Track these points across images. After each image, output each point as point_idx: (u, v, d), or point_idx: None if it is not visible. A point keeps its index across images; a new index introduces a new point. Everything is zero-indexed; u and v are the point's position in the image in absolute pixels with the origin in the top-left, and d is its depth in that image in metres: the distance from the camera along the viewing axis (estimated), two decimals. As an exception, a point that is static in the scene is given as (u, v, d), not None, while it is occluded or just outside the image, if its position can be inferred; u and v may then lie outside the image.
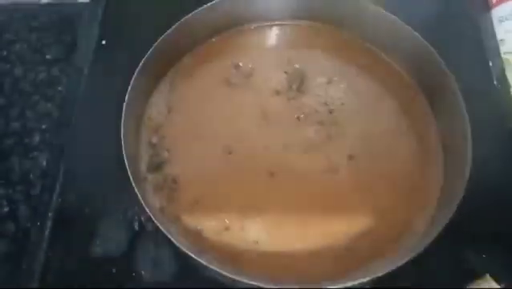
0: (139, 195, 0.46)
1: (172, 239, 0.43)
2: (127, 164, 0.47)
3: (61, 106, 0.66)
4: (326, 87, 0.61)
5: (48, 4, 0.89)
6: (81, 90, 0.64)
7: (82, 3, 0.83)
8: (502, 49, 0.71)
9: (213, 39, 0.64)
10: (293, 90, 0.61)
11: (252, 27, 0.65)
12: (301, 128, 0.58)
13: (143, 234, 0.55)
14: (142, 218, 0.55)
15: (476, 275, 0.53)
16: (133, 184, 0.46)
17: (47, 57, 0.83)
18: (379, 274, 0.44)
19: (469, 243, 0.55)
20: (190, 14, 0.58)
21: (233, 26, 0.64)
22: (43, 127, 0.74)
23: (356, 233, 0.51)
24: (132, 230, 0.55)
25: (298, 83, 0.61)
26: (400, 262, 0.44)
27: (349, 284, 0.43)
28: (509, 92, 0.67)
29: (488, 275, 0.53)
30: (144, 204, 0.45)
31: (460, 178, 0.49)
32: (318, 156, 0.56)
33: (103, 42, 0.67)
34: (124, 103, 0.50)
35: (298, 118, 0.59)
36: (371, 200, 0.54)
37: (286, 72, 0.62)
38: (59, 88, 0.77)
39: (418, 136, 0.58)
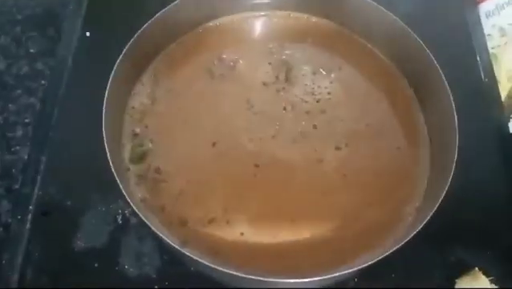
0: (121, 186, 0.45)
1: (154, 230, 0.42)
2: (108, 154, 0.46)
3: (44, 99, 0.64)
4: (312, 78, 0.60)
5: (32, -3, 0.87)
6: (64, 82, 0.62)
7: (63, -3, 0.82)
8: (490, 44, 0.72)
9: (198, 29, 0.63)
10: (279, 80, 0.60)
11: (237, 18, 0.64)
12: (287, 119, 0.57)
13: (126, 226, 0.54)
14: (125, 211, 0.55)
15: (464, 269, 0.53)
16: (115, 175, 0.45)
17: (31, 50, 0.81)
18: (366, 265, 0.43)
19: (457, 236, 0.56)
20: (173, 4, 0.57)
21: (218, 16, 0.63)
22: (26, 120, 0.73)
23: (342, 224, 0.51)
24: (115, 223, 0.55)
25: (284, 74, 0.60)
26: (386, 253, 0.44)
27: (336, 274, 0.43)
28: (496, 87, 0.68)
29: (477, 269, 0.53)
30: (126, 195, 0.45)
31: (446, 170, 0.49)
32: (305, 148, 0.55)
33: (87, 34, 0.66)
34: (106, 93, 0.48)
35: (284, 109, 0.58)
36: (357, 191, 0.53)
37: (270, 63, 0.61)
38: (43, 82, 0.76)
39: (405, 127, 0.58)
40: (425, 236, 0.46)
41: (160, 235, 0.42)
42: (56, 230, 0.54)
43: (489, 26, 0.74)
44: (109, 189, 0.50)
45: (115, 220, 0.54)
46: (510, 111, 0.74)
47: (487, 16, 0.74)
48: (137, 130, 0.55)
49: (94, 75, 0.55)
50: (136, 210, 0.43)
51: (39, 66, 0.80)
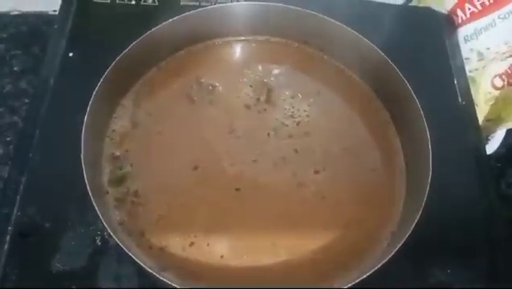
0: (97, 209, 0.45)
1: (132, 256, 0.42)
2: (85, 177, 0.46)
3: (26, 118, 0.64)
4: (291, 101, 0.61)
5: (17, 15, 0.88)
6: (46, 102, 0.62)
7: (51, 15, 0.82)
8: (467, 67, 0.73)
9: (179, 54, 0.64)
10: (260, 102, 0.61)
11: (217, 42, 0.65)
12: (268, 144, 0.58)
13: (105, 249, 0.54)
14: (104, 233, 0.54)
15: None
16: (92, 197, 0.45)
17: (15, 69, 0.82)
18: (344, 287, 0.44)
19: (435, 258, 0.56)
20: (154, 29, 0.58)
21: (198, 40, 0.64)
22: (8, 139, 0.73)
23: (322, 246, 0.51)
24: (94, 245, 0.54)
25: (265, 95, 0.61)
26: (364, 275, 0.44)
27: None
28: (473, 110, 0.69)
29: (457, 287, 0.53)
30: (102, 219, 0.44)
31: (420, 193, 0.49)
32: (285, 172, 0.56)
33: (70, 54, 0.66)
34: (85, 116, 0.49)
35: (266, 134, 0.59)
36: (336, 214, 0.54)
37: (251, 86, 0.62)
38: (26, 100, 0.76)
39: (381, 151, 0.59)
40: (404, 257, 0.46)
41: (136, 260, 0.42)
42: (34, 252, 0.54)
43: (467, 49, 0.75)
44: (88, 210, 0.49)
45: (94, 242, 0.54)
46: (488, 134, 0.75)
47: (466, 40, 0.75)
48: (117, 153, 0.55)
49: (75, 97, 0.55)
50: (113, 235, 0.43)
51: (23, 84, 0.80)
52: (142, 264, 0.42)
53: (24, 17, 0.87)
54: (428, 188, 0.49)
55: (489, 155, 0.72)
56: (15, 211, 0.55)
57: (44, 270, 0.53)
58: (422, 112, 0.53)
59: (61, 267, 0.53)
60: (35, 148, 0.59)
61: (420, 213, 0.48)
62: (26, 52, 0.83)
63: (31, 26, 0.87)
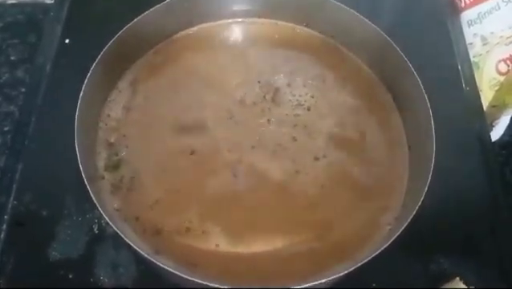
0: (92, 195, 0.44)
1: (126, 240, 0.42)
2: (80, 163, 0.45)
3: (22, 107, 0.64)
4: (293, 88, 0.60)
5: (14, 4, 0.87)
6: (42, 90, 0.62)
7: (48, 4, 0.82)
8: (471, 52, 0.72)
9: (176, 36, 0.62)
10: (260, 88, 0.59)
11: (216, 25, 0.64)
12: (268, 130, 0.57)
13: (102, 236, 0.53)
14: (101, 221, 0.54)
15: (445, 277, 0.53)
16: (87, 183, 0.44)
17: (12, 58, 0.81)
18: (342, 274, 0.43)
19: (437, 245, 0.56)
20: (148, 11, 0.56)
21: (196, 23, 0.63)
22: (5, 129, 0.73)
23: (319, 234, 0.50)
24: (90, 233, 0.54)
25: (265, 83, 0.60)
26: (360, 262, 0.43)
27: (310, 284, 0.42)
28: (478, 95, 0.68)
29: (458, 278, 0.52)
30: (97, 204, 0.44)
31: (423, 179, 0.48)
32: (284, 158, 0.55)
33: (67, 41, 0.65)
34: (79, 101, 0.48)
35: (265, 120, 0.57)
36: (335, 202, 0.52)
37: (251, 68, 0.61)
38: (23, 90, 0.76)
39: (384, 137, 0.57)
40: (405, 244, 0.45)
41: (131, 244, 0.41)
42: (31, 241, 0.53)
43: (470, 34, 0.74)
44: (85, 198, 0.48)
45: (91, 229, 0.54)
46: (492, 120, 0.74)
47: (469, 25, 0.74)
48: (112, 138, 0.54)
49: (72, 83, 0.54)
50: (108, 220, 0.42)
51: (20, 73, 0.80)
52: (136, 247, 0.41)
53: (21, 6, 0.86)
54: (430, 173, 0.47)
55: (494, 142, 0.71)
56: (11, 199, 0.55)
57: (41, 259, 0.52)
58: (426, 96, 0.52)
59: (58, 255, 0.53)
60: (31, 136, 0.59)
61: (423, 199, 0.46)
62: (22, 41, 0.83)
63: (28, 16, 0.86)
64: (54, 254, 0.52)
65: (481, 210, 0.58)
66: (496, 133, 0.74)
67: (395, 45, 0.56)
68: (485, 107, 0.70)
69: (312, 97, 0.59)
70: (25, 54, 0.82)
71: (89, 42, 0.62)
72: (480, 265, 0.55)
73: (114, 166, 0.52)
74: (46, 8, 0.81)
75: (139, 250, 0.41)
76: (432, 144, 0.49)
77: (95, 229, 0.54)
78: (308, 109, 0.58)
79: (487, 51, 0.74)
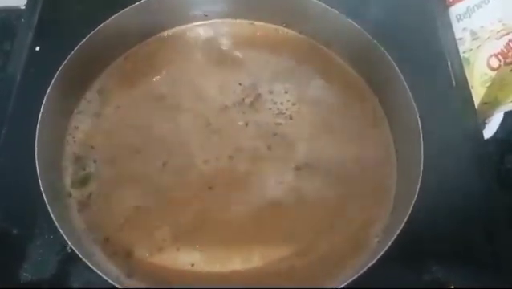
0: (53, 216, 0.43)
1: (91, 266, 0.40)
2: (40, 181, 0.44)
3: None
4: (272, 94, 0.57)
5: (-13, 11, 0.84)
6: (12, 100, 0.59)
7: (23, 10, 0.79)
8: (461, 48, 0.70)
9: (149, 40, 0.60)
10: (240, 96, 0.57)
11: (191, 27, 0.61)
12: (246, 138, 0.55)
13: (76, 256, 0.50)
14: (75, 240, 0.51)
15: (440, 287, 0.51)
16: (48, 205, 0.42)
17: (-16, 66, 0.78)
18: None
19: (430, 252, 0.53)
20: (118, 14, 0.54)
21: (170, 26, 0.60)
22: (-24, 140, 0.69)
23: (302, 251, 0.48)
24: (63, 252, 0.51)
25: (246, 89, 0.58)
26: (353, 276, 0.41)
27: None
28: (468, 92, 0.66)
29: (452, 287, 0.51)
30: (58, 225, 0.42)
31: (412, 183, 0.47)
32: (263, 168, 0.53)
33: (37, 48, 0.63)
34: (40, 114, 0.45)
35: (245, 125, 0.55)
36: (318, 214, 0.50)
37: (231, 73, 0.59)
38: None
39: (370, 141, 0.55)
40: (398, 254, 0.44)
41: (98, 272, 0.39)
42: (1, 261, 0.51)
43: (459, 29, 0.72)
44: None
45: (64, 248, 0.51)
46: (485, 118, 0.72)
47: (458, 19, 0.72)
48: (80, 152, 0.52)
49: (41, 93, 0.52)
50: (69, 244, 0.40)
51: (-5, 82, 0.76)
52: (104, 276, 0.39)
53: (-5, 12, 0.83)
54: (420, 178, 0.46)
55: (487, 140, 0.69)
56: (-21, 217, 0.52)
57: (12, 280, 0.50)
58: (411, 96, 0.50)
59: (29, 277, 0.50)
60: (0, 148, 0.56)
61: (413, 204, 0.45)
62: (-4, 49, 0.79)
63: (2, 22, 0.83)
64: (26, 275, 0.50)
65: (476, 213, 0.56)
66: (489, 131, 0.72)
67: (379, 44, 0.54)
68: (476, 105, 0.67)
69: (294, 104, 0.57)
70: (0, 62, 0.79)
71: (59, 49, 0.59)
72: (475, 272, 0.53)
73: (81, 182, 0.50)
74: (21, 14, 0.78)
75: (107, 279, 0.39)
76: (420, 146, 0.48)
77: (68, 249, 0.51)
78: (290, 118, 0.56)
79: (478, 46, 0.72)
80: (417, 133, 0.48)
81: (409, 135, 0.50)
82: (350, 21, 0.56)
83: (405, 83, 0.51)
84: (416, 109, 0.49)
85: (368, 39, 0.55)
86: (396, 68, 0.52)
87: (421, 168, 0.46)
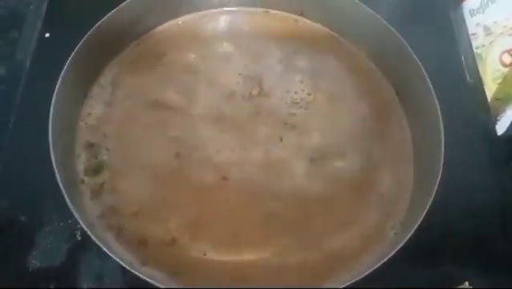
0: (70, 203, 0.41)
1: (108, 252, 0.39)
2: (55, 167, 0.43)
3: (0, 105, 0.60)
4: (287, 84, 0.57)
5: (-5, -1, 0.83)
6: (21, 87, 0.58)
7: (30, -2, 0.78)
8: (474, 43, 0.70)
9: (162, 27, 0.59)
10: (254, 85, 0.56)
11: (205, 15, 0.60)
12: (260, 128, 0.54)
13: (85, 243, 0.50)
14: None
15: (454, 283, 0.51)
16: (63, 190, 0.41)
17: (-7, 54, 0.77)
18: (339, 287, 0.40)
19: (444, 248, 0.53)
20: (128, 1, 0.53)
21: (183, 12, 0.59)
22: (-14, 128, 0.68)
23: (315, 244, 0.47)
24: (73, 240, 0.50)
25: (258, 80, 0.56)
26: (366, 272, 0.40)
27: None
28: (482, 88, 0.66)
29: (467, 283, 0.50)
30: (74, 212, 0.41)
31: (432, 178, 0.46)
32: (278, 160, 0.52)
33: (47, 35, 0.62)
34: (53, 99, 0.45)
35: (256, 116, 0.54)
36: (333, 208, 0.49)
37: (244, 64, 0.58)
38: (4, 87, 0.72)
39: (388, 136, 0.54)
40: (412, 249, 0.43)
41: (114, 257, 0.38)
42: (9, 249, 0.50)
43: (473, 24, 0.71)
44: (66, 202, 0.45)
45: (74, 236, 0.50)
46: (497, 114, 0.71)
47: (471, 14, 0.72)
48: (93, 140, 0.51)
49: (52, 80, 0.51)
50: (86, 229, 0.39)
51: (1, 70, 0.76)
52: (119, 261, 0.38)
53: (2, 1, 0.82)
54: (440, 173, 0.45)
55: (499, 136, 0.68)
56: (-12, 204, 0.52)
57: (20, 268, 0.49)
58: (433, 89, 0.50)
59: (38, 264, 0.49)
60: (9, 136, 0.56)
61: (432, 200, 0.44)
62: (4, 37, 0.79)
63: (10, 10, 0.82)
64: (34, 262, 0.49)
65: (489, 209, 0.56)
66: (501, 127, 0.71)
67: (397, 33, 0.53)
68: (488, 101, 0.67)
69: (309, 94, 0.56)
70: (7, 51, 0.78)
71: (70, 35, 0.59)
72: (491, 269, 0.52)
73: (94, 170, 0.49)
74: (27, 2, 0.78)
75: (123, 264, 0.38)
76: (441, 143, 0.47)
77: (78, 236, 0.50)
78: (304, 108, 0.55)
79: (490, 42, 0.71)
80: (438, 126, 0.48)
81: (429, 129, 0.50)
82: (368, 9, 0.56)
83: (426, 74, 0.50)
84: (437, 105, 0.48)
85: (387, 28, 0.54)
86: (416, 58, 0.52)
87: (441, 163, 0.46)
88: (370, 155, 0.53)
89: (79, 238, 0.50)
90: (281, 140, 0.53)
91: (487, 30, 0.71)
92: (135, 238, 0.46)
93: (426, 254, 0.51)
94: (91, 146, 0.50)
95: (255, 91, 0.55)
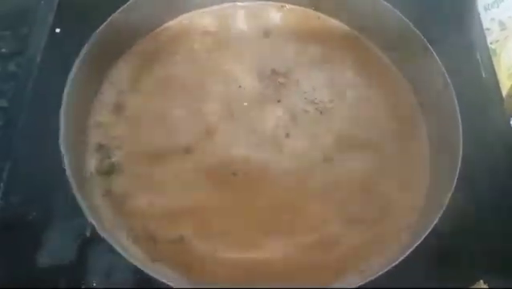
0: (80, 201, 0.42)
1: (118, 249, 0.40)
2: (67, 166, 0.43)
3: (11, 101, 0.60)
4: (303, 80, 0.56)
5: (5, -6, 0.84)
6: (32, 84, 0.58)
7: (38, -8, 0.78)
8: (489, 39, 0.69)
9: (173, 21, 0.58)
10: (270, 83, 0.56)
11: (221, 8, 0.60)
12: (272, 124, 0.53)
13: (95, 241, 0.49)
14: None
15: (469, 281, 0.50)
16: (74, 188, 0.42)
17: (3, 51, 0.78)
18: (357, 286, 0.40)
19: (460, 246, 0.52)
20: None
21: (198, 6, 0.59)
22: (-3, 124, 0.69)
23: (326, 243, 0.47)
24: (83, 237, 0.50)
25: (275, 75, 0.56)
26: (381, 272, 0.39)
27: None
28: (497, 84, 0.64)
29: (482, 281, 0.49)
30: (85, 210, 0.41)
31: (450, 174, 0.45)
32: (291, 157, 0.51)
33: (57, 30, 0.62)
34: (64, 96, 0.45)
35: (268, 113, 0.54)
36: (345, 208, 0.49)
37: (261, 59, 0.57)
38: (14, 83, 0.72)
39: (403, 136, 0.54)
40: (426, 246, 0.42)
41: (124, 255, 0.39)
42: (19, 246, 0.50)
43: (487, 19, 0.70)
44: (76, 199, 0.45)
45: (83, 234, 0.50)
46: (511, 111, 0.70)
47: (486, 9, 0.71)
48: (103, 137, 0.51)
49: (63, 76, 0.51)
50: (97, 228, 0.40)
51: (11, 67, 0.76)
52: (129, 259, 0.38)
53: (13, -4, 0.82)
54: (459, 167, 0.45)
55: (514, 134, 0.67)
56: (-2, 201, 0.52)
57: (29, 265, 0.49)
58: (452, 87, 0.49)
59: (47, 261, 0.49)
60: (19, 133, 0.56)
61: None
62: (14, 33, 0.79)
63: (21, 6, 0.82)
64: (44, 260, 0.49)
65: (505, 207, 0.54)
66: (516, 125, 0.70)
67: (418, 31, 0.53)
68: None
69: (322, 92, 0.55)
70: (17, 47, 0.78)
71: (81, 31, 0.59)
72: (506, 268, 0.51)
73: (106, 169, 0.49)
74: (40, -1, 0.78)
75: (133, 262, 0.39)
76: (459, 140, 0.47)
77: (87, 233, 0.50)
78: (321, 105, 0.55)
79: (505, 37, 0.70)
80: (456, 125, 0.47)
81: (447, 127, 0.49)
82: (385, 3, 0.55)
83: (445, 72, 0.50)
84: (455, 99, 0.48)
85: (405, 23, 0.54)
86: (435, 56, 0.51)
87: (460, 158, 0.45)
88: (384, 154, 0.52)
89: (89, 235, 0.50)
90: (292, 137, 0.52)
91: (502, 25, 0.70)
92: (145, 235, 0.46)
93: (441, 251, 0.50)
94: (101, 145, 0.50)
95: (268, 89, 0.55)
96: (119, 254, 0.48)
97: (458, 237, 0.51)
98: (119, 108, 0.53)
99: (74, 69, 0.48)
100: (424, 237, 0.42)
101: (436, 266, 0.50)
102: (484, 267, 0.50)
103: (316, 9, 0.61)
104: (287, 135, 0.52)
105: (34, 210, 0.51)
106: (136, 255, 0.42)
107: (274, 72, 0.56)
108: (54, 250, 0.49)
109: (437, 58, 0.51)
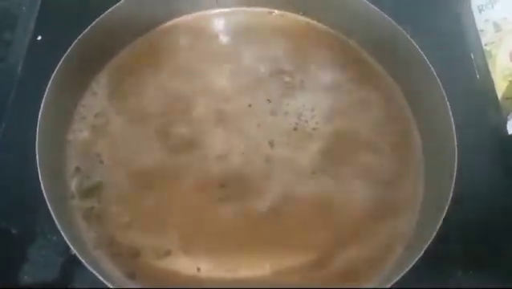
0: (56, 220, 0.41)
1: (94, 272, 0.39)
2: (42, 183, 0.42)
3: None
4: (292, 89, 0.55)
5: (-13, -1, 0.82)
6: (13, 93, 0.57)
7: (22, -2, 0.76)
8: (483, 40, 0.68)
9: (161, 27, 0.57)
10: (256, 89, 0.55)
11: (206, 15, 0.58)
12: (259, 135, 0.52)
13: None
14: (80, 239, 0.49)
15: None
16: (49, 207, 0.41)
17: (-16, 57, 0.75)
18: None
19: (458, 256, 0.51)
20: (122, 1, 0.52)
21: (182, 12, 0.58)
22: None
23: (317, 261, 0.45)
24: (67, 254, 0.48)
25: (263, 85, 0.55)
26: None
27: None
28: (492, 86, 0.64)
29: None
30: (61, 230, 0.41)
31: (446, 180, 0.45)
32: (279, 169, 0.50)
33: (39, 38, 0.61)
34: (39, 113, 0.44)
35: (258, 123, 0.52)
36: (338, 222, 0.48)
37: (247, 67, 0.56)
38: (-5, 91, 0.70)
39: (397, 142, 0.53)
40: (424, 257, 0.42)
41: (100, 278, 0.39)
42: (1, 263, 0.49)
43: (481, 20, 0.69)
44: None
45: (68, 250, 0.48)
46: (508, 113, 0.69)
47: (480, 10, 0.70)
48: (84, 150, 0.49)
49: (44, 85, 0.49)
50: (72, 248, 0.40)
51: (-7, 74, 0.74)
52: (102, 278, 0.38)
53: (-5, 1, 0.80)
54: (455, 174, 0.44)
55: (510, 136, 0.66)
56: (-22, 215, 0.50)
57: (11, 284, 0.48)
58: (444, 91, 0.49)
59: (30, 279, 0.48)
60: (0, 144, 0.54)
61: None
62: (-3, 39, 0.77)
63: (3, 10, 0.80)
64: (27, 278, 0.48)
65: (502, 214, 0.54)
66: (511, 127, 0.69)
67: (409, 37, 0.52)
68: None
69: (308, 97, 0.54)
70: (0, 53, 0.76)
71: (62, 38, 0.57)
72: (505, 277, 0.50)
73: (87, 188, 0.48)
74: (20, 3, 0.76)
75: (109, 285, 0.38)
76: (454, 144, 0.46)
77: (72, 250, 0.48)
78: (303, 114, 0.53)
79: (500, 39, 0.69)
80: (450, 127, 0.46)
81: (440, 131, 0.48)
82: (373, 7, 0.54)
83: (436, 76, 0.49)
84: (447, 103, 0.47)
85: (393, 26, 0.53)
86: (425, 59, 0.50)
87: (456, 164, 0.45)
88: (377, 166, 0.51)
89: (73, 252, 0.48)
90: (286, 146, 0.51)
91: (496, 27, 0.69)
92: (127, 251, 0.45)
93: (439, 261, 0.49)
94: (82, 160, 0.49)
95: (266, 98, 0.54)
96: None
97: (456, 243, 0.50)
98: (99, 123, 0.51)
99: (53, 77, 0.47)
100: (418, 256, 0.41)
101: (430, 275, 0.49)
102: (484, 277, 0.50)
103: (304, 14, 0.60)
104: (273, 145, 0.51)
105: (15, 226, 0.50)
106: (113, 271, 0.42)
107: (262, 78, 0.55)
108: (37, 267, 0.48)
109: (428, 60, 0.51)
